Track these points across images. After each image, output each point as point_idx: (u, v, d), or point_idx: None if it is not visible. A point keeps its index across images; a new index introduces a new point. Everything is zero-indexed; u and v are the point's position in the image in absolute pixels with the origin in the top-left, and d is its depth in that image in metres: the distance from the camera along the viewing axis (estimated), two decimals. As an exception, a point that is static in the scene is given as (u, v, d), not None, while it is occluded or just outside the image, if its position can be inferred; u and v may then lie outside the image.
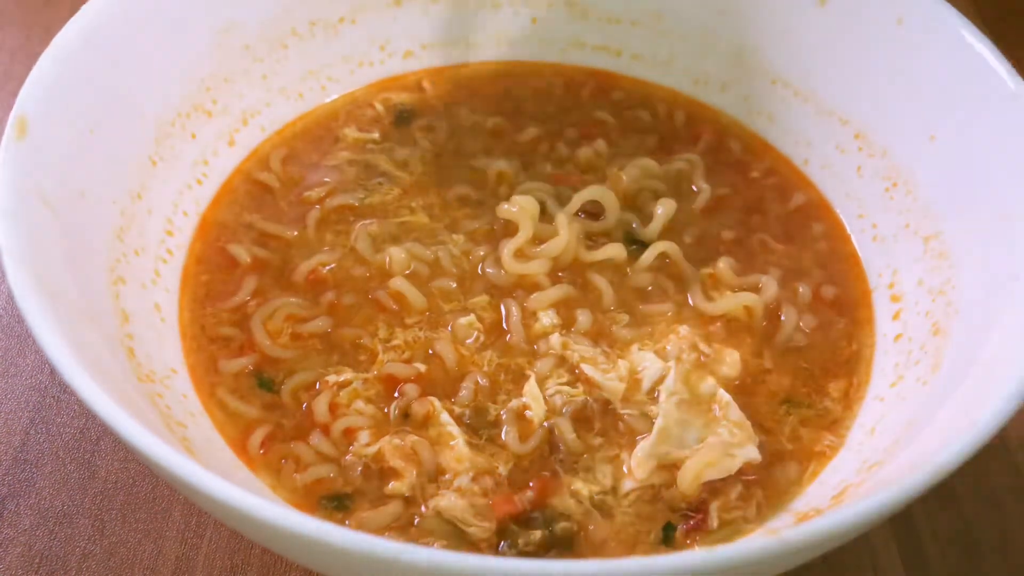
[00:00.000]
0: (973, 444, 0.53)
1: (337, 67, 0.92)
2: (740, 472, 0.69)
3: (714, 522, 0.67)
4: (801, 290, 0.80)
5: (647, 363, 0.73)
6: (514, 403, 0.71)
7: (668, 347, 0.75)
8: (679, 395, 0.71)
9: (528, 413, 0.71)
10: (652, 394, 0.72)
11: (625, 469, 0.69)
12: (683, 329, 0.76)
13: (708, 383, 0.72)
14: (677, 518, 0.67)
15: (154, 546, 0.73)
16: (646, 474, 0.68)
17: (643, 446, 0.69)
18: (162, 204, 0.78)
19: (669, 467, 0.69)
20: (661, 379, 0.72)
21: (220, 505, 0.50)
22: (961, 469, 0.53)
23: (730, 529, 0.67)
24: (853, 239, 0.84)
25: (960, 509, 0.77)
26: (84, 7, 0.73)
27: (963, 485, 0.78)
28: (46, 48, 0.69)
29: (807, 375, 0.76)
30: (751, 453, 0.69)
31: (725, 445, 0.69)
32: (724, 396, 0.71)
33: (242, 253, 0.80)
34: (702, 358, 0.75)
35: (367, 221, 0.82)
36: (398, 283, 0.77)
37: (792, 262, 0.82)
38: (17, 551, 0.72)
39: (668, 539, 0.66)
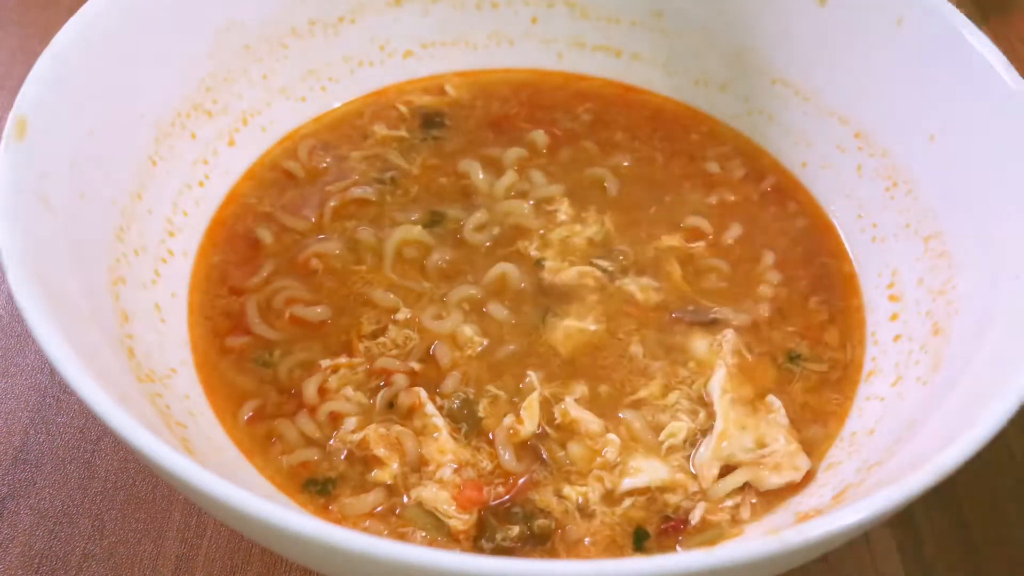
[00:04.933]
0: (973, 444, 0.53)
1: (337, 67, 0.92)
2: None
3: (695, 519, 0.67)
4: (799, 290, 0.80)
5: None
6: (508, 420, 0.71)
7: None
8: (731, 394, 0.71)
9: (519, 427, 0.70)
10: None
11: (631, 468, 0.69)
12: (728, 333, 0.76)
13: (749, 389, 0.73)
14: (656, 521, 0.67)
15: (154, 546, 0.73)
16: (712, 478, 0.68)
17: (704, 451, 0.69)
18: (162, 204, 0.78)
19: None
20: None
21: (220, 505, 0.50)
22: (961, 469, 0.53)
23: (713, 532, 0.67)
24: (853, 239, 0.84)
25: (960, 509, 0.77)
26: (84, 7, 0.73)
27: (963, 485, 0.78)
28: (46, 48, 0.69)
29: (806, 375, 0.76)
30: (805, 463, 0.70)
31: (790, 455, 0.69)
32: (775, 401, 0.72)
33: (265, 236, 0.81)
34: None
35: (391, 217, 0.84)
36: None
37: (791, 262, 0.83)
38: (17, 551, 0.72)
39: (639, 545, 0.66)
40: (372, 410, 0.72)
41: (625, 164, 0.89)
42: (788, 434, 0.70)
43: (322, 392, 0.72)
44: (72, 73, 0.70)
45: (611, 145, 0.91)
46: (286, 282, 0.79)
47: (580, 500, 0.68)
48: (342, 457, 0.69)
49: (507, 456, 0.69)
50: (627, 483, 0.68)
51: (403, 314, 0.77)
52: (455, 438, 0.70)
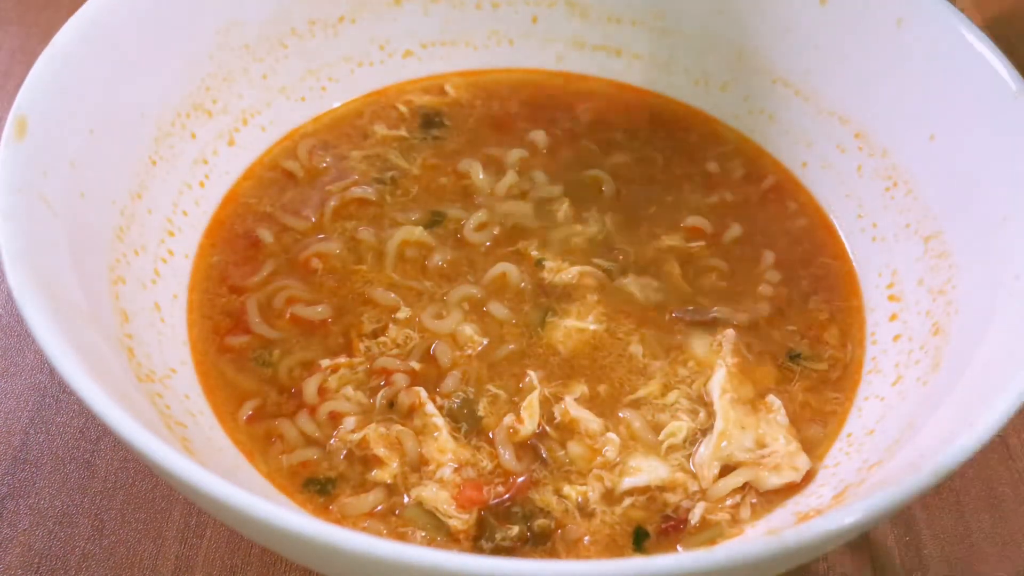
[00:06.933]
0: (973, 444, 0.53)
1: (337, 67, 0.92)
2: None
3: (695, 519, 0.67)
4: (799, 290, 0.80)
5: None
6: (507, 419, 0.71)
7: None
8: (731, 393, 0.71)
9: (519, 426, 0.70)
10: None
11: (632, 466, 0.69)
12: (729, 333, 0.76)
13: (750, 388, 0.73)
14: (656, 520, 0.67)
15: (154, 546, 0.73)
16: (712, 478, 0.68)
17: (704, 450, 0.69)
18: (162, 204, 0.78)
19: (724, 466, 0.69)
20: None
21: (220, 505, 0.50)
22: (961, 469, 0.53)
23: (713, 532, 0.67)
24: (853, 239, 0.84)
25: (960, 509, 0.77)
26: (84, 7, 0.73)
27: (963, 485, 0.78)
28: (46, 48, 0.69)
29: (806, 374, 0.76)
30: (805, 463, 0.70)
31: (790, 455, 0.69)
32: (775, 401, 0.72)
33: (266, 236, 0.82)
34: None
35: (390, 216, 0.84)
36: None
37: (791, 261, 0.83)
38: (17, 551, 0.72)
39: (639, 544, 0.66)
40: (372, 410, 0.72)
41: (625, 164, 0.89)
42: (788, 434, 0.70)
43: (322, 392, 0.72)
44: (72, 73, 0.70)
45: (611, 145, 0.91)
46: (286, 281, 0.79)
47: (580, 499, 0.68)
48: (342, 457, 0.69)
49: (507, 455, 0.69)
50: (627, 482, 0.68)
51: (403, 313, 0.77)
52: (455, 438, 0.70)
